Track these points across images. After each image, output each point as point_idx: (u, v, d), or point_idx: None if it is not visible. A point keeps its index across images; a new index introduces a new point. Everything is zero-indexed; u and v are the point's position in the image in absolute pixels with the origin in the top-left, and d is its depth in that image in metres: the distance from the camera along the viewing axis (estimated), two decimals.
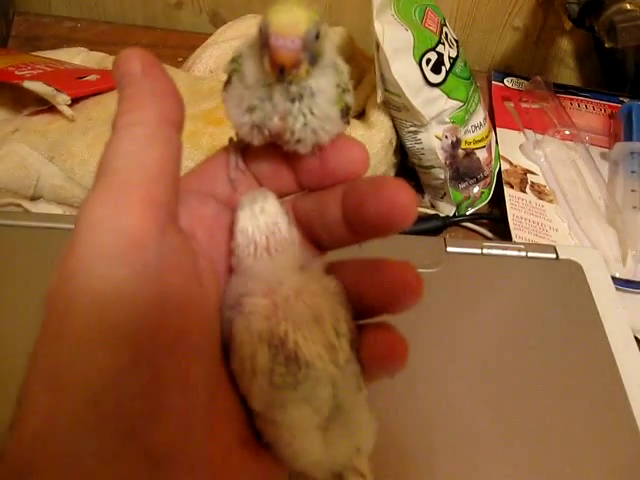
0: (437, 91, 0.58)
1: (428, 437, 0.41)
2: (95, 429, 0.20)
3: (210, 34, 0.75)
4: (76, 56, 0.70)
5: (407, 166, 0.66)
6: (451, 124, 0.60)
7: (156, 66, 0.25)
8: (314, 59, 0.25)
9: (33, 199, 0.54)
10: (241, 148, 0.29)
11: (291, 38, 0.23)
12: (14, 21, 0.84)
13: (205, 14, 0.89)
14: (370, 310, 0.27)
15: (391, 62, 0.55)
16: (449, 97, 0.59)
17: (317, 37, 0.24)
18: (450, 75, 0.59)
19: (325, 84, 0.26)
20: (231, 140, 0.29)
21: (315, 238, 0.29)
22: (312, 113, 0.26)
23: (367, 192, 0.26)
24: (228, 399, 0.26)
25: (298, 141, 0.26)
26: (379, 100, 0.58)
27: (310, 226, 0.28)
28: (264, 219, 0.27)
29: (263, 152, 0.28)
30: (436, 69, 0.58)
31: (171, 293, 0.22)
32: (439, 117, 0.59)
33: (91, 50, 0.73)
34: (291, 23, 0.24)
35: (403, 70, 0.56)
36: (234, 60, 0.27)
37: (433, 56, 0.58)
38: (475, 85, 0.64)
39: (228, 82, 0.27)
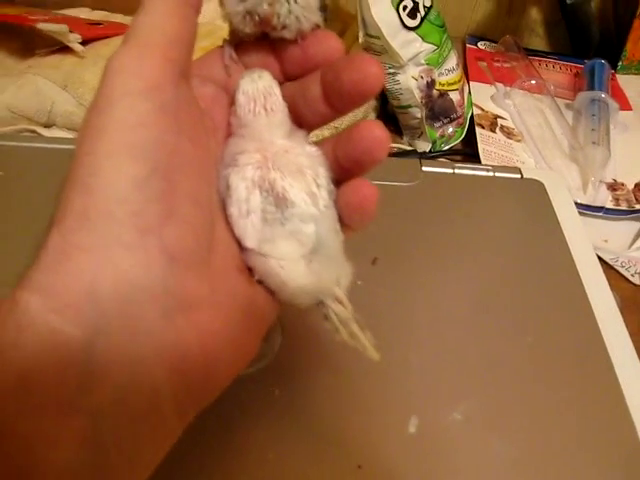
0: (413, 34, 0.64)
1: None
2: (119, 222, 0.24)
3: None
4: (80, 14, 0.75)
5: (387, 112, 0.72)
6: (426, 66, 0.66)
7: None
8: None
9: (47, 126, 0.59)
10: (234, 44, 0.33)
11: None
12: None
13: None
14: (346, 171, 0.31)
15: (371, 5, 0.61)
16: (424, 40, 0.65)
17: None
18: (425, 21, 0.65)
19: None
20: (225, 40, 0.34)
21: (299, 119, 0.33)
22: (295, 2, 0.31)
23: (342, 66, 0.30)
24: (227, 235, 0.30)
25: (284, 27, 0.31)
26: (360, 41, 0.64)
27: (295, 107, 0.32)
28: (262, 83, 0.32)
29: (253, 46, 0.33)
30: (412, 15, 0.64)
31: (185, 127, 0.27)
32: (415, 59, 0.65)
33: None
34: None
35: (382, 14, 0.62)
36: None
37: (409, 3, 0.64)
38: (447, 34, 0.70)
39: None
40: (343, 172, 0.31)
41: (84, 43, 0.62)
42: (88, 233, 0.23)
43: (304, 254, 0.30)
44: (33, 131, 0.58)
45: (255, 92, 0.31)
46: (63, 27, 0.59)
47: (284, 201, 0.30)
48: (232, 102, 0.32)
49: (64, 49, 0.62)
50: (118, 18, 0.73)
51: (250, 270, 0.30)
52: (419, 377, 0.40)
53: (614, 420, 0.40)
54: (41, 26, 0.60)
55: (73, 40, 0.60)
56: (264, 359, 0.39)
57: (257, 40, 0.32)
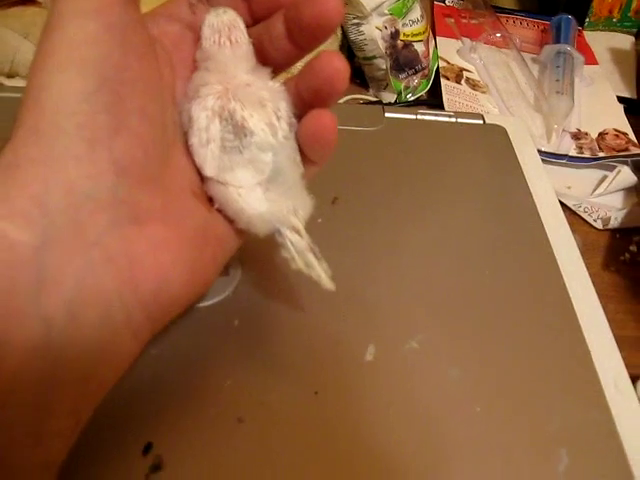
0: None
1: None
2: (68, 134, 0.24)
3: None
4: None
5: (353, 65, 0.72)
6: (390, 16, 0.66)
7: None
8: None
9: (10, 76, 0.59)
10: None
11: None
12: None
13: None
14: (308, 104, 0.32)
15: None
16: None
17: None
18: None
19: None
20: None
21: (265, 59, 0.34)
22: None
23: (302, 1, 0.31)
24: (184, 163, 0.31)
25: None
26: None
27: (261, 47, 0.33)
28: (227, 17, 0.32)
29: None
30: None
31: (133, 47, 0.27)
32: (379, 9, 0.65)
33: None
34: None
35: None
36: None
37: None
38: None
39: None
40: (305, 106, 0.32)
41: None
42: (38, 145, 0.24)
43: (261, 182, 0.31)
44: None
45: (220, 24, 0.32)
46: None
47: (243, 130, 0.31)
48: (198, 39, 0.33)
49: (27, 1, 0.62)
50: None
51: (210, 199, 0.31)
52: (377, 309, 0.41)
53: (568, 353, 0.41)
54: None
55: None
56: (223, 293, 0.39)
57: None
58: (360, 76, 0.72)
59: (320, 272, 0.33)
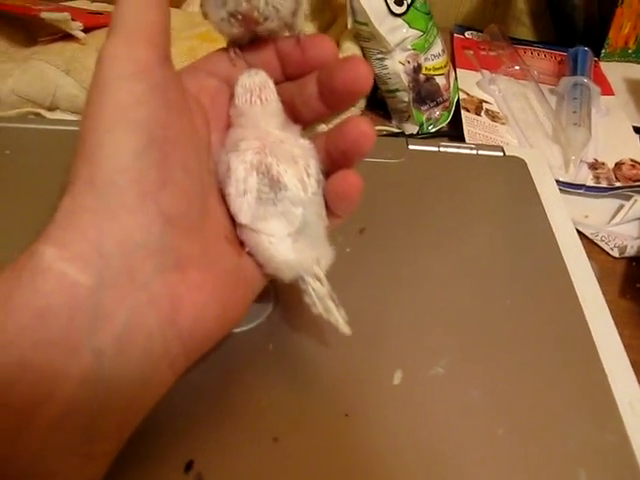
0: (400, 20, 0.67)
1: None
2: (121, 188, 0.27)
3: None
4: (80, 6, 0.78)
5: (376, 97, 0.75)
6: (413, 51, 0.68)
7: None
8: None
9: (51, 109, 0.62)
10: (237, 45, 0.37)
11: None
12: None
13: None
14: (336, 163, 0.35)
15: None
16: (410, 27, 0.68)
17: None
18: (411, 8, 0.68)
19: None
20: (228, 44, 0.37)
21: (296, 114, 0.37)
22: None
23: (336, 67, 0.35)
24: (218, 210, 0.34)
25: (265, 18, 0.35)
26: (349, 26, 0.67)
27: (293, 105, 0.37)
28: (258, 78, 0.36)
29: (255, 50, 0.37)
30: (399, 2, 0.67)
31: (173, 105, 0.30)
32: (402, 44, 0.68)
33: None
34: None
35: (370, 1, 0.65)
36: None
37: None
38: (433, 21, 0.73)
39: None
40: (333, 164, 0.35)
41: (85, 31, 0.65)
42: (95, 197, 0.27)
43: (291, 233, 0.34)
44: (38, 114, 0.61)
45: (251, 84, 0.35)
46: (66, 15, 0.62)
47: (278, 184, 0.34)
48: (229, 99, 0.36)
49: (66, 37, 0.65)
50: None
51: (242, 243, 0.34)
52: (404, 335, 0.43)
53: (588, 377, 0.42)
54: (44, 15, 0.62)
55: (75, 28, 0.63)
56: (258, 318, 0.42)
57: (259, 45, 0.36)
58: (383, 108, 0.74)
59: (338, 317, 0.35)
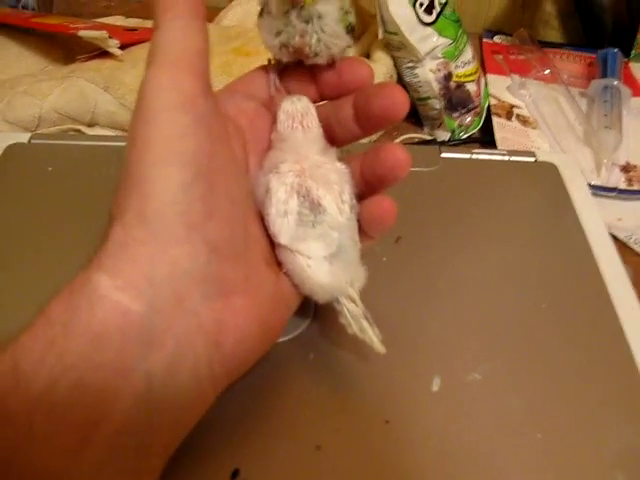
0: (429, 29, 0.68)
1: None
2: (169, 220, 0.28)
3: None
4: (115, 22, 0.80)
5: None
6: (443, 59, 0.69)
7: None
8: None
9: (90, 125, 0.64)
10: (278, 70, 0.38)
11: None
12: (54, 1, 0.94)
13: None
14: (372, 186, 0.37)
15: (389, 4, 0.65)
16: (440, 35, 0.69)
17: None
18: (440, 17, 0.69)
19: (330, 8, 0.35)
20: (269, 61, 0.39)
21: (331, 135, 0.38)
22: (323, 31, 0.35)
23: (373, 92, 0.36)
24: (257, 232, 0.35)
25: (315, 54, 0.36)
26: (380, 37, 0.68)
27: (328, 125, 0.38)
28: (300, 104, 0.37)
29: (294, 72, 0.38)
30: (428, 11, 0.68)
31: (216, 134, 0.31)
32: (432, 53, 0.69)
33: None
34: None
35: (399, 11, 0.66)
36: None
37: (425, 0, 0.68)
38: (463, 29, 0.73)
39: (260, 14, 0.37)
40: (367, 186, 0.36)
41: (122, 48, 0.67)
42: (145, 229, 0.28)
43: (327, 256, 0.35)
44: (78, 130, 0.62)
45: (294, 111, 0.37)
46: (103, 34, 0.64)
47: (318, 207, 0.35)
48: (273, 119, 0.37)
49: (103, 54, 0.67)
50: (150, 24, 0.77)
51: (279, 264, 0.35)
52: (441, 341, 0.44)
53: (624, 380, 0.43)
54: (82, 34, 0.64)
55: (112, 45, 0.65)
56: (298, 329, 0.43)
57: (298, 66, 0.37)
58: (415, 115, 0.75)
59: (372, 337, 0.36)
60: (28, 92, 0.62)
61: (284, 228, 0.34)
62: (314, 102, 0.38)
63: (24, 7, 0.85)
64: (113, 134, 0.64)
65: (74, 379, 0.26)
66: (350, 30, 0.37)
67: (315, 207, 0.34)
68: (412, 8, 0.66)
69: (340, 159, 0.37)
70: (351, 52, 0.48)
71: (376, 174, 0.36)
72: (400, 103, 0.35)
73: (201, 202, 0.29)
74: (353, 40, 0.38)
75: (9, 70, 0.69)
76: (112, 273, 0.27)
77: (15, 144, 0.57)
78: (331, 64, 0.37)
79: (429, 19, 0.67)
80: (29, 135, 0.59)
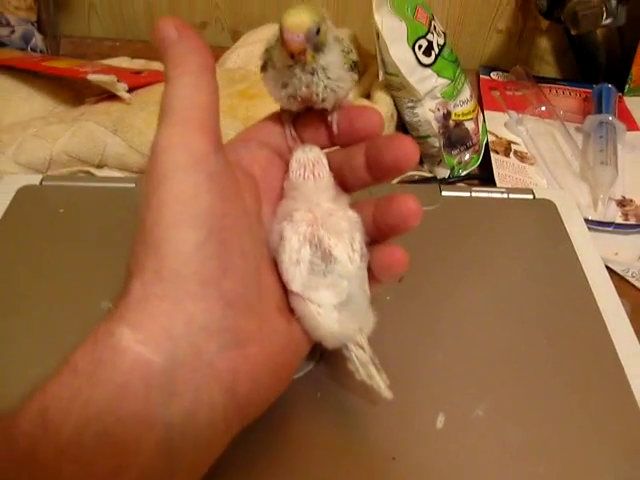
0: (428, 71, 0.70)
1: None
2: (185, 278, 0.29)
3: None
4: (122, 63, 0.82)
5: None
6: (442, 99, 0.71)
7: (187, 27, 0.32)
8: (318, 47, 0.35)
9: (99, 167, 0.65)
10: (292, 118, 0.40)
11: (297, 34, 0.33)
12: (61, 42, 0.97)
13: (227, 32, 1.01)
14: (383, 233, 0.38)
15: (389, 47, 0.67)
16: (439, 76, 0.71)
17: (317, 32, 0.34)
18: (439, 58, 0.71)
19: (333, 57, 0.36)
20: (282, 109, 0.40)
21: (343, 181, 0.39)
22: (328, 78, 0.36)
23: (384, 143, 0.37)
24: (270, 279, 0.36)
25: (323, 100, 0.37)
26: (380, 79, 0.70)
27: (340, 171, 0.39)
28: (312, 154, 0.39)
29: (305, 119, 0.40)
30: (427, 53, 0.70)
31: (227, 192, 0.32)
32: (431, 93, 0.71)
33: None
34: (297, 23, 0.33)
35: (399, 54, 0.68)
36: (267, 50, 0.37)
37: (424, 43, 0.70)
38: (461, 68, 0.76)
39: (264, 68, 0.38)
40: (379, 232, 0.38)
41: (129, 90, 0.69)
42: (162, 286, 0.29)
43: (336, 305, 0.36)
44: (87, 172, 0.64)
45: (306, 160, 0.38)
46: (112, 78, 0.66)
47: (329, 257, 0.36)
48: (285, 167, 0.39)
49: (112, 96, 0.68)
50: (156, 65, 0.80)
51: (291, 310, 0.36)
52: (446, 379, 0.45)
53: (622, 415, 0.44)
54: (91, 77, 0.66)
55: (120, 89, 0.67)
56: (306, 367, 0.44)
57: (308, 112, 0.39)
58: None
59: (380, 383, 0.37)
60: (39, 135, 0.64)
61: (296, 276, 0.36)
62: (327, 147, 0.40)
63: (33, 49, 0.87)
64: (122, 175, 0.65)
65: (100, 427, 0.27)
66: (354, 67, 0.38)
67: (327, 256, 0.36)
68: (412, 51, 0.68)
69: (351, 205, 0.39)
70: (352, 92, 0.49)
71: (388, 223, 0.37)
72: (411, 154, 0.36)
73: (215, 260, 0.30)
74: (358, 74, 0.39)
75: (20, 111, 0.71)
76: (134, 327, 0.28)
77: (27, 186, 0.59)
78: (339, 106, 0.38)
79: (428, 61, 0.69)
80: (40, 177, 0.60)
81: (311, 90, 0.36)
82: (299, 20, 0.33)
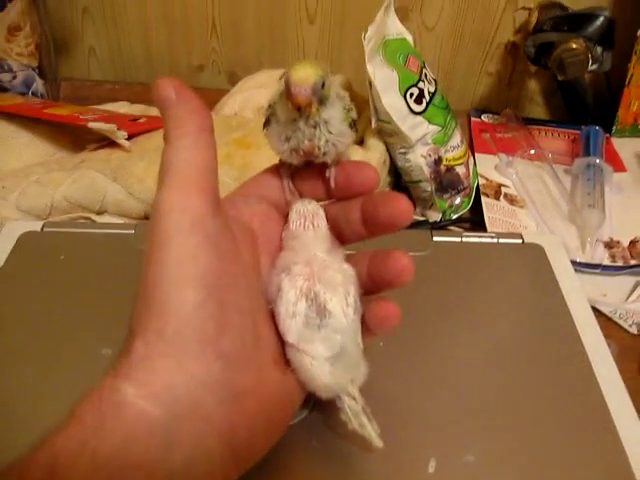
0: (420, 118, 0.72)
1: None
2: (186, 337, 0.31)
3: (228, 91, 0.89)
4: (120, 108, 0.84)
5: (401, 185, 0.80)
6: (433, 145, 0.73)
7: (186, 89, 0.34)
8: (322, 100, 0.36)
9: (99, 213, 0.67)
10: (290, 172, 0.41)
11: (304, 87, 0.35)
12: (61, 85, 0.99)
13: (223, 75, 1.04)
14: (377, 286, 0.39)
15: (382, 96, 0.70)
16: (430, 123, 0.73)
17: (323, 86, 0.36)
18: (430, 105, 0.73)
19: (335, 111, 0.38)
20: (280, 162, 0.42)
21: (339, 233, 0.41)
22: (330, 132, 0.38)
23: (380, 200, 0.39)
24: (267, 330, 0.37)
25: (324, 154, 0.39)
26: (373, 126, 0.72)
27: (337, 224, 0.41)
28: (311, 206, 0.40)
29: (303, 173, 0.41)
30: (418, 100, 0.72)
31: (224, 252, 0.34)
32: (423, 139, 0.73)
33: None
34: (304, 77, 0.35)
35: (391, 102, 0.70)
36: (270, 106, 0.39)
37: (415, 91, 0.72)
38: (452, 114, 0.78)
39: (267, 123, 0.39)
40: (374, 286, 0.39)
41: (129, 138, 0.70)
42: (164, 344, 0.31)
43: (329, 358, 0.37)
44: (88, 218, 0.66)
45: (305, 212, 0.40)
46: (112, 126, 0.68)
47: (324, 311, 0.37)
48: (283, 220, 0.41)
49: (111, 143, 0.70)
50: (155, 111, 0.81)
51: (287, 361, 0.37)
52: (437, 424, 0.46)
53: (609, 458, 0.46)
54: (92, 125, 0.68)
55: (120, 137, 0.69)
56: (300, 415, 0.45)
57: (307, 166, 0.40)
58: (407, 195, 0.78)
59: (371, 432, 0.38)
60: (41, 182, 0.66)
61: (292, 328, 0.37)
62: (323, 200, 0.41)
63: (34, 93, 0.89)
64: (122, 222, 0.67)
65: (106, 477, 0.28)
66: (353, 125, 0.40)
67: (321, 311, 0.37)
68: (403, 99, 0.70)
69: (347, 257, 0.40)
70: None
71: (383, 278, 0.38)
72: (405, 212, 0.37)
73: (213, 320, 0.32)
74: (356, 133, 0.41)
75: (22, 157, 0.73)
76: (137, 384, 0.30)
77: (29, 232, 0.61)
78: (338, 161, 0.40)
79: (419, 108, 0.71)
80: (42, 223, 0.62)
81: (313, 143, 0.38)
82: (305, 74, 0.35)
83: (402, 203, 0.38)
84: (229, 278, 0.33)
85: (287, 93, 0.36)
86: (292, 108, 0.36)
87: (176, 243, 0.31)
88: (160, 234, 0.31)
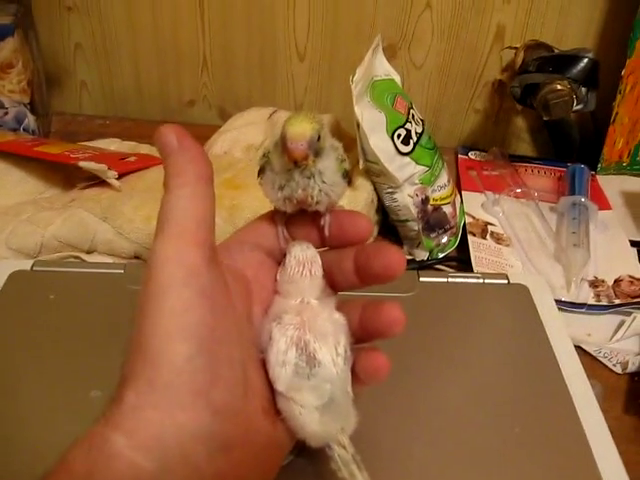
0: (407, 159, 0.73)
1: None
2: (176, 389, 0.31)
3: (219, 126, 0.90)
4: (111, 145, 0.85)
5: (388, 224, 0.81)
6: (420, 185, 0.74)
7: (187, 137, 0.35)
8: (317, 152, 0.37)
9: (89, 252, 0.67)
10: (284, 220, 0.42)
11: (300, 142, 0.36)
12: (52, 120, 1.00)
13: (214, 110, 1.05)
14: (369, 335, 0.40)
15: (369, 137, 0.71)
16: (417, 163, 0.74)
17: (318, 139, 0.37)
18: (417, 146, 0.74)
19: (329, 162, 0.38)
20: (275, 210, 0.42)
21: (332, 280, 0.42)
22: (324, 182, 0.39)
23: (373, 252, 0.39)
24: (257, 379, 0.38)
25: (317, 203, 0.39)
26: (361, 167, 0.73)
27: (330, 271, 0.41)
28: (309, 253, 0.41)
29: (297, 221, 0.42)
30: (405, 141, 0.73)
31: (217, 305, 0.34)
32: (410, 179, 0.74)
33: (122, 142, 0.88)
34: (300, 132, 0.36)
35: (379, 143, 0.71)
36: (265, 155, 0.40)
37: (402, 132, 0.73)
38: (439, 154, 0.79)
39: (262, 171, 0.40)
40: (366, 334, 0.40)
41: (119, 176, 0.71)
42: (155, 396, 0.31)
43: (318, 407, 0.37)
44: (78, 257, 0.66)
45: (304, 258, 0.40)
46: (103, 166, 0.68)
47: (313, 360, 0.37)
48: (277, 266, 0.41)
49: (101, 182, 0.71)
50: (145, 149, 0.82)
51: (276, 410, 0.38)
52: (424, 466, 0.47)
53: None
54: (82, 164, 0.69)
55: (111, 176, 0.69)
56: (288, 458, 0.46)
57: (301, 214, 0.41)
58: (394, 234, 0.80)
59: None
60: (31, 221, 0.66)
61: (282, 377, 0.37)
62: (317, 248, 0.42)
63: (25, 129, 0.89)
64: (111, 261, 0.67)
65: None
66: (346, 175, 0.41)
67: (311, 360, 0.37)
68: (390, 140, 0.71)
69: (339, 305, 0.41)
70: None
71: (375, 328, 0.39)
72: (398, 264, 0.38)
73: (204, 372, 0.32)
74: (348, 184, 0.42)
75: (12, 194, 0.73)
76: (127, 434, 0.30)
77: (18, 271, 0.61)
78: (331, 209, 0.41)
79: (406, 149, 0.72)
80: (32, 262, 0.62)
81: (307, 193, 0.38)
82: (302, 129, 0.36)
83: (395, 255, 0.38)
84: (221, 331, 0.34)
85: (283, 147, 0.37)
86: (288, 160, 0.37)
87: (170, 295, 0.32)
88: (155, 285, 0.32)
